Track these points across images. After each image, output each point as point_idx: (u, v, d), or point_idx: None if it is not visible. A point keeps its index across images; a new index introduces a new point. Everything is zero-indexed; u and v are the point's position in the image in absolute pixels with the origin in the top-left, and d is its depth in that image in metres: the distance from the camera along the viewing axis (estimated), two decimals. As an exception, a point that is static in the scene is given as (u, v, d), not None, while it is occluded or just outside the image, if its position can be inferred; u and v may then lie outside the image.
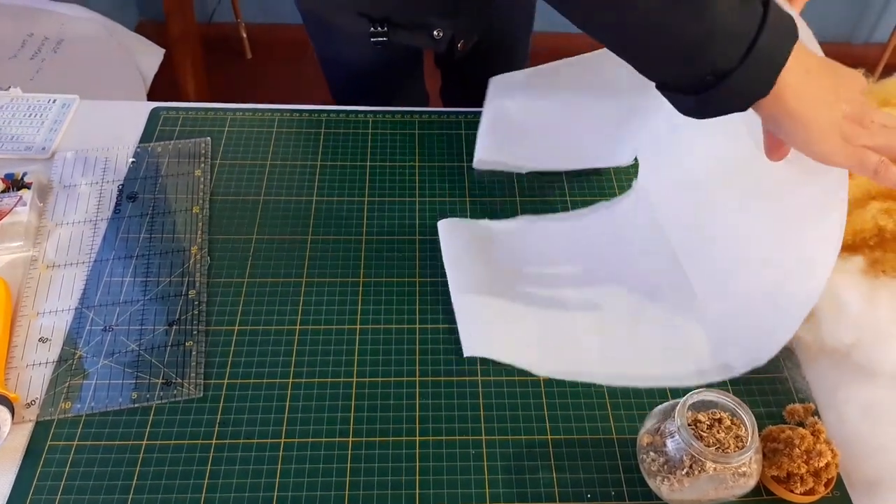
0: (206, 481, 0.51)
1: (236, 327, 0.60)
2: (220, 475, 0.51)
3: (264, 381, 0.57)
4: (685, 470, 0.47)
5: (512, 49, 0.94)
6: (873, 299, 0.54)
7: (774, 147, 0.52)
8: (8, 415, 0.52)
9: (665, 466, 0.48)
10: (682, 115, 0.50)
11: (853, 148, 0.49)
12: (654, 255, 0.65)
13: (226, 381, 0.56)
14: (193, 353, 0.58)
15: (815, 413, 0.55)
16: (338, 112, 0.78)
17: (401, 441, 0.53)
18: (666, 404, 0.51)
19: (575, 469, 0.52)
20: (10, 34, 1.24)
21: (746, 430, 0.47)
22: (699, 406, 0.49)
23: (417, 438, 0.54)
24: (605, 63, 0.59)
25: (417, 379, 0.57)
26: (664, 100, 0.51)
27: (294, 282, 0.63)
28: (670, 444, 0.48)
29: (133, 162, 0.72)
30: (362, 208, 0.69)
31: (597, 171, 0.73)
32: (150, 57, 1.28)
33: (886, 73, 0.79)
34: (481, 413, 0.55)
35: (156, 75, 1.32)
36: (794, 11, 0.50)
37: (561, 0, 0.47)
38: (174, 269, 0.63)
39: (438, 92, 1.04)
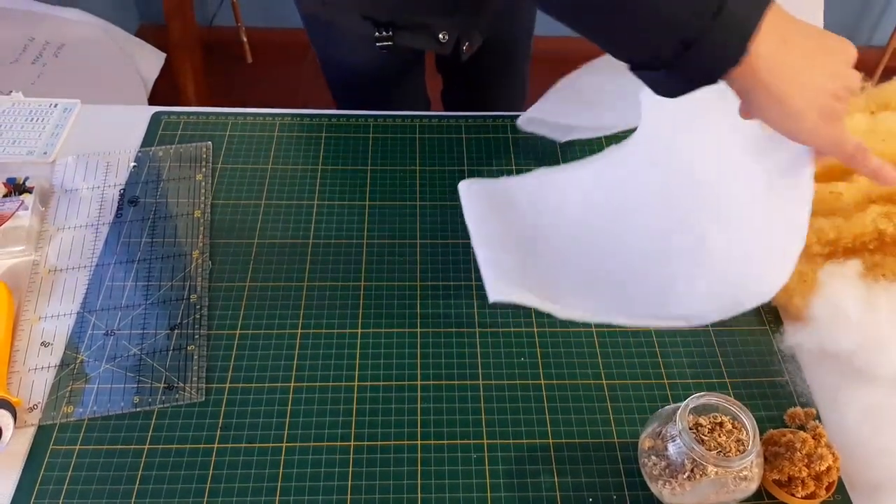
0: (207, 485, 0.51)
1: (238, 331, 0.60)
2: (222, 479, 0.51)
3: (266, 384, 0.57)
4: (686, 474, 0.47)
5: (513, 52, 0.94)
6: (873, 303, 0.54)
7: (745, 110, 0.49)
8: (10, 419, 0.52)
9: (666, 470, 0.48)
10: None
11: (831, 129, 0.46)
12: (665, 197, 0.63)
13: (227, 385, 0.57)
14: (195, 357, 0.58)
15: (817, 417, 0.55)
16: (339, 116, 0.78)
17: (402, 445, 0.54)
18: (667, 408, 0.51)
19: (576, 473, 0.52)
20: (12, 38, 1.24)
21: (748, 433, 0.47)
22: (700, 410, 0.49)
23: (419, 442, 0.54)
24: None
25: (419, 383, 0.57)
26: None
27: (295, 286, 0.63)
28: (672, 448, 0.48)
29: (134, 166, 0.72)
30: (363, 212, 0.69)
31: None
32: (151, 61, 1.28)
33: (886, 75, 0.79)
34: (482, 417, 0.55)
35: (156, 79, 1.32)
36: None
37: None
38: (176, 273, 0.63)
39: (440, 95, 1.04)
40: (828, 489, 0.50)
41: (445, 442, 0.54)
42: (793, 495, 0.50)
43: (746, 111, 0.49)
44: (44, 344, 0.58)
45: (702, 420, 0.49)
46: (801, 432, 0.52)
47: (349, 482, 0.52)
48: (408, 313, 0.62)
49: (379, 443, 0.54)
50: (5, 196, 0.67)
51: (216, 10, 1.99)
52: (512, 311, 0.62)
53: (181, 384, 0.56)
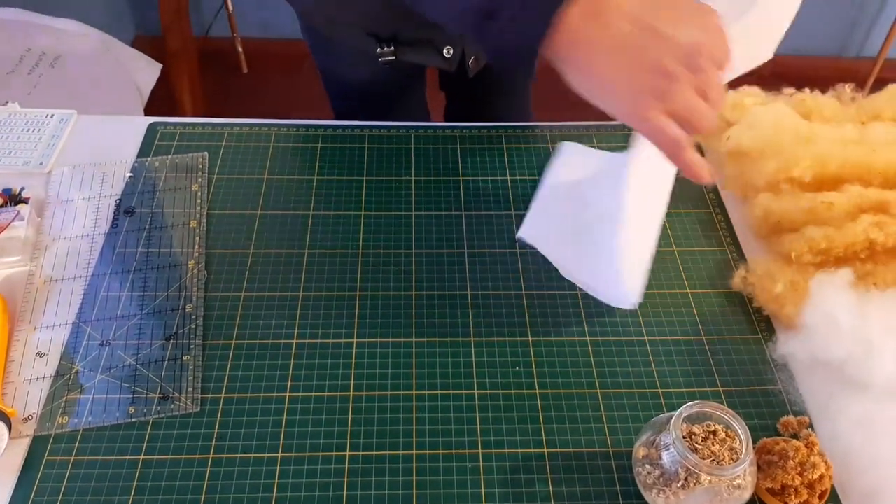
0: (203, 496, 0.51)
1: (233, 341, 0.60)
2: (218, 490, 0.51)
3: (261, 395, 0.57)
4: (680, 482, 0.47)
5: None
6: (864, 312, 0.54)
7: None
8: (5, 430, 0.52)
9: (660, 479, 0.49)
10: None
11: (652, 115, 0.42)
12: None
13: (223, 395, 0.57)
14: (190, 367, 0.58)
15: (809, 425, 0.56)
16: (334, 127, 0.78)
17: (397, 455, 0.54)
18: (661, 416, 0.51)
19: (571, 482, 0.53)
20: (9, 49, 1.24)
21: (741, 442, 0.48)
22: (694, 418, 0.50)
23: (414, 452, 0.54)
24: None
25: (414, 392, 0.57)
26: None
27: (291, 296, 0.63)
28: (665, 457, 0.49)
29: (130, 177, 0.72)
30: (359, 222, 0.70)
31: None
32: (147, 72, 1.29)
33: (877, 86, 0.80)
34: (477, 426, 0.55)
35: (153, 89, 1.33)
36: None
37: None
38: (171, 283, 0.63)
39: (443, 112, 1.04)
40: (821, 497, 0.51)
41: (440, 452, 0.54)
42: (786, 503, 0.51)
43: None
44: (39, 354, 0.58)
45: (695, 429, 0.50)
46: (794, 441, 0.52)
47: (344, 492, 0.52)
48: (403, 323, 0.62)
49: (374, 453, 0.54)
50: (1, 206, 0.67)
51: (212, 21, 2.00)
52: (507, 320, 0.62)
53: (176, 394, 0.56)
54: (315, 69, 0.91)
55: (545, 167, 0.74)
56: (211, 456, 0.53)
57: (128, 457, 0.53)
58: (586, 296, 0.64)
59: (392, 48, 0.74)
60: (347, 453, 0.54)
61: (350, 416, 0.56)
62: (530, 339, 0.61)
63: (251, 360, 0.59)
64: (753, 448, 0.49)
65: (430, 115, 0.99)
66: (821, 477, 0.50)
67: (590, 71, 0.42)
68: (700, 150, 0.78)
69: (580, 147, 0.76)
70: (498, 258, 0.67)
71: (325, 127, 0.78)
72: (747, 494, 0.48)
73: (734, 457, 0.48)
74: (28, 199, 0.68)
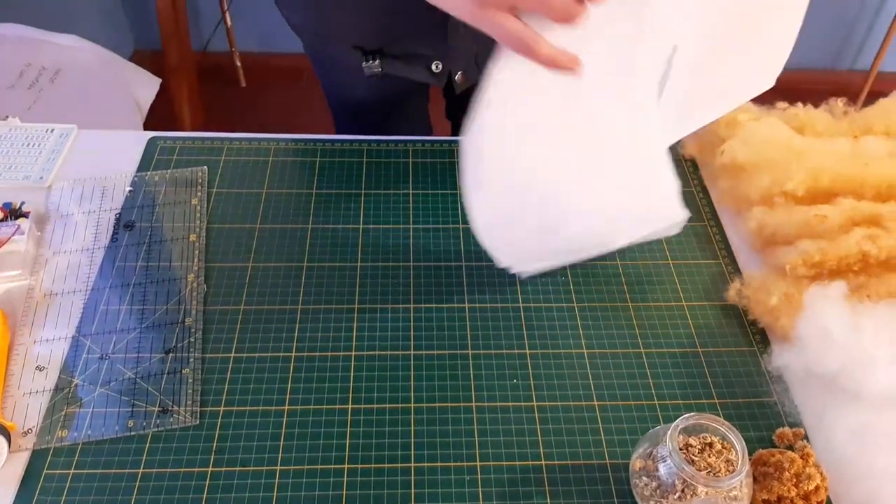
0: (202, 509, 0.51)
1: (232, 354, 0.60)
2: (217, 503, 0.51)
3: (260, 408, 0.57)
4: (677, 494, 0.48)
5: None
6: (857, 325, 0.55)
7: None
8: (5, 443, 0.52)
9: (657, 491, 0.49)
10: None
11: (487, 12, 0.41)
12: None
13: (222, 408, 0.57)
14: (190, 380, 0.58)
15: (805, 437, 0.56)
16: (332, 141, 0.79)
17: (396, 468, 0.54)
18: (658, 428, 0.52)
19: (569, 494, 0.53)
20: (9, 64, 1.25)
21: (737, 453, 0.48)
22: (690, 430, 0.50)
23: (412, 465, 0.54)
24: None
25: (412, 405, 0.58)
26: None
27: (289, 309, 0.64)
28: (662, 469, 0.49)
29: (130, 191, 0.72)
30: (357, 235, 0.70)
31: None
32: (146, 87, 1.30)
33: (871, 98, 0.82)
34: (475, 439, 0.56)
35: (151, 103, 1.33)
36: None
37: None
38: (171, 296, 0.64)
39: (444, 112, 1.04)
40: (817, 509, 0.51)
41: (439, 465, 0.54)
42: (782, 515, 0.51)
43: None
44: (38, 368, 0.58)
45: (692, 440, 0.50)
46: (790, 452, 0.52)
47: (343, 505, 0.52)
48: (401, 336, 0.62)
49: (373, 465, 0.54)
50: (1, 221, 0.67)
51: (210, 36, 2.01)
52: (504, 332, 0.63)
53: (175, 408, 0.56)
54: (312, 83, 0.92)
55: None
56: (210, 469, 0.53)
57: (127, 470, 0.53)
58: (583, 308, 0.65)
59: (377, 61, 0.74)
60: (346, 466, 0.54)
61: (349, 429, 0.56)
62: (528, 351, 0.62)
63: (250, 374, 0.59)
64: (749, 459, 0.50)
65: (433, 131, 1.00)
66: (816, 488, 0.50)
67: None
68: (694, 164, 0.79)
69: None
70: (495, 271, 0.67)
71: (324, 141, 0.79)
72: (744, 506, 0.48)
73: (730, 468, 0.48)
74: (28, 213, 0.68)
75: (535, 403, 0.58)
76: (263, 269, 0.67)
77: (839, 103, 0.79)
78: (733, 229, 0.72)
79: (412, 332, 0.62)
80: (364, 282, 0.66)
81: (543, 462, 0.55)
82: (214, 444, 0.55)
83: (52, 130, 0.79)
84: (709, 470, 0.48)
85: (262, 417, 0.56)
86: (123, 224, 0.69)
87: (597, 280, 0.67)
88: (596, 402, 0.58)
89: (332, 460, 0.54)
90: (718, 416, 0.56)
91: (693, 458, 0.49)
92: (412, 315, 0.64)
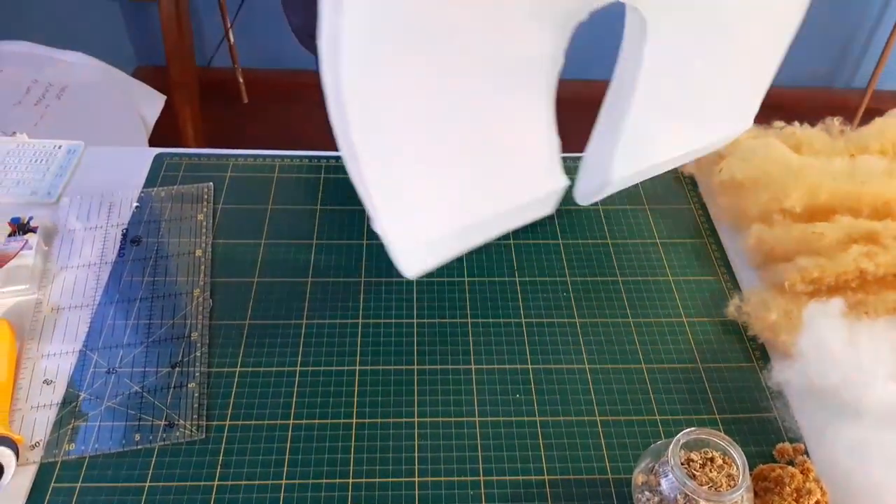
0: (207, 523, 0.51)
1: (237, 369, 0.61)
2: (222, 517, 0.52)
3: (265, 422, 0.57)
4: (679, 509, 0.48)
5: None
6: (855, 341, 0.56)
7: None
8: (12, 457, 0.53)
9: (659, 505, 0.49)
10: None
11: None
12: None
13: (227, 422, 0.57)
14: (195, 394, 0.59)
15: (805, 452, 0.57)
16: (336, 158, 0.80)
17: (400, 482, 0.54)
18: (659, 443, 0.52)
19: (571, 509, 0.53)
20: (17, 81, 1.27)
21: (738, 468, 0.49)
22: (692, 445, 0.51)
23: (416, 479, 0.54)
24: None
25: (415, 420, 0.58)
26: None
27: (294, 324, 0.64)
28: (664, 484, 0.49)
29: (137, 206, 0.73)
30: (361, 251, 0.71)
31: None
32: (151, 103, 1.31)
33: (867, 116, 0.83)
34: (478, 453, 0.56)
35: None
36: None
37: None
38: (177, 311, 0.64)
39: None
40: (817, 523, 0.51)
41: (442, 479, 0.55)
42: (783, 530, 0.51)
43: None
44: (46, 382, 0.59)
45: (693, 455, 0.51)
46: (790, 467, 0.53)
47: (348, 519, 0.52)
48: (405, 350, 0.63)
49: (377, 479, 0.54)
50: (10, 236, 0.68)
51: (214, 53, 2.03)
52: (507, 347, 0.63)
53: (181, 422, 0.57)
54: (315, 100, 0.93)
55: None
56: (215, 483, 0.54)
57: (134, 484, 0.53)
58: (585, 324, 0.66)
59: None
60: (350, 480, 0.54)
61: (353, 444, 0.56)
62: (530, 366, 0.62)
63: (255, 388, 0.60)
64: (750, 475, 0.50)
65: None
66: (817, 503, 0.51)
67: None
68: (693, 181, 0.80)
69: None
70: (497, 286, 0.68)
71: (328, 158, 0.80)
72: (745, 520, 0.49)
73: (731, 483, 0.48)
74: (36, 228, 0.69)
75: (537, 418, 0.59)
76: (268, 284, 0.67)
77: (835, 122, 0.80)
78: (732, 246, 0.73)
79: (416, 347, 0.63)
80: (368, 297, 0.67)
81: (546, 477, 0.55)
82: (220, 458, 0.55)
83: (60, 147, 0.80)
84: (710, 485, 0.48)
85: (267, 431, 0.57)
86: (130, 239, 0.70)
87: (598, 296, 0.68)
88: (598, 417, 0.59)
89: (337, 474, 0.55)
90: (719, 431, 0.57)
91: (695, 472, 0.49)
92: (416, 330, 0.64)
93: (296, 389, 0.60)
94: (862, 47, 2.08)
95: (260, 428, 0.57)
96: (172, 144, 0.83)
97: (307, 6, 0.80)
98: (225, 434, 0.57)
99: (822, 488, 0.52)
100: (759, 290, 0.67)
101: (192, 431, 0.56)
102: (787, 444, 0.57)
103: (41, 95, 1.25)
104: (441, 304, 0.67)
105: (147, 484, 0.53)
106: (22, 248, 0.67)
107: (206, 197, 0.75)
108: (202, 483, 0.54)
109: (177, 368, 0.60)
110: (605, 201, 0.77)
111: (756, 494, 0.52)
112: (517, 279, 0.69)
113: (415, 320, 0.65)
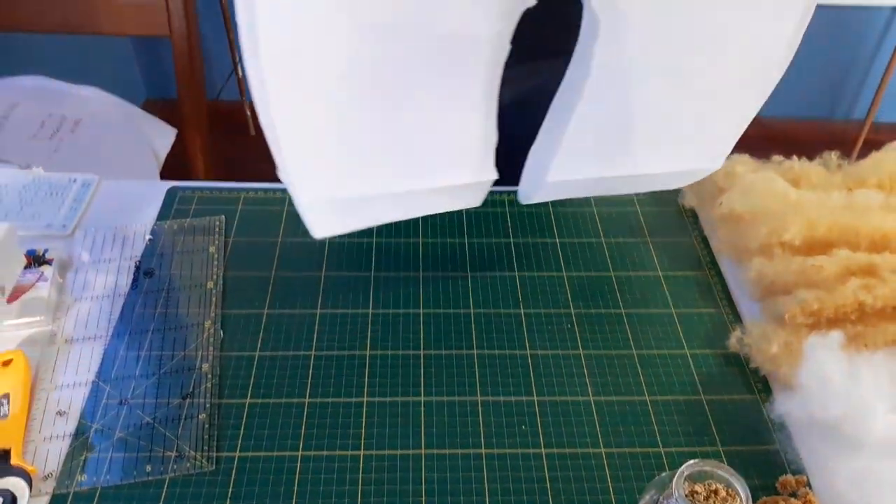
0: (217, 554, 0.52)
1: (248, 400, 0.62)
2: (232, 548, 0.52)
3: (274, 453, 0.58)
4: (684, 540, 0.49)
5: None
6: (855, 373, 0.57)
7: None
8: (26, 487, 0.53)
9: (664, 537, 0.50)
10: None
11: None
12: None
13: (237, 453, 0.58)
14: (206, 425, 0.60)
15: (807, 484, 0.57)
16: (345, 191, 0.82)
17: (407, 513, 0.55)
18: (664, 475, 0.53)
19: (577, 540, 0.54)
20: (31, 114, 1.30)
21: (741, 500, 0.49)
22: (696, 477, 0.51)
23: (423, 510, 0.55)
24: None
25: (423, 451, 0.59)
26: None
27: (303, 355, 0.65)
28: (669, 515, 0.50)
29: (150, 239, 0.75)
30: (369, 283, 0.72)
31: None
32: (163, 137, 1.34)
33: (866, 147, 0.85)
34: (485, 485, 0.57)
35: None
36: None
37: None
38: (188, 343, 0.66)
39: None
40: (821, 556, 0.52)
41: (449, 510, 0.55)
42: (787, 562, 0.52)
43: None
44: (59, 413, 0.60)
45: (697, 487, 0.51)
46: (793, 500, 0.53)
47: (356, 550, 0.53)
48: (412, 382, 0.64)
49: (385, 511, 0.55)
50: (26, 268, 0.69)
51: (223, 85, 2.07)
52: (513, 380, 0.64)
53: (192, 453, 0.58)
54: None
55: (547, 229, 0.78)
56: (225, 514, 0.54)
57: (145, 515, 0.54)
58: (589, 356, 0.67)
59: None
60: (359, 511, 0.55)
61: (360, 475, 0.57)
62: (535, 398, 0.63)
63: (265, 419, 0.60)
64: (754, 506, 0.51)
65: None
66: (820, 535, 0.51)
67: None
68: (694, 214, 0.82)
69: None
70: (503, 318, 0.69)
71: (336, 191, 0.82)
72: (749, 553, 0.49)
73: (735, 515, 0.49)
74: (51, 260, 0.71)
75: (542, 450, 0.59)
76: (278, 315, 0.69)
77: (833, 156, 0.82)
78: (733, 278, 0.75)
79: (423, 378, 0.64)
80: (375, 328, 0.68)
81: (552, 508, 0.56)
82: (230, 490, 0.56)
83: (75, 180, 0.82)
84: (714, 516, 0.49)
85: (276, 463, 0.58)
86: (143, 271, 0.72)
87: (602, 328, 0.69)
88: (602, 449, 0.60)
89: (345, 505, 0.55)
90: (723, 463, 0.57)
91: (699, 504, 0.50)
92: (423, 360, 0.65)
93: (305, 420, 0.61)
94: (859, 79, 2.11)
95: (269, 459, 0.58)
96: (183, 176, 0.85)
97: None
98: (235, 465, 0.57)
99: (825, 520, 0.52)
100: (761, 323, 0.68)
101: (202, 463, 0.57)
102: (789, 476, 0.58)
103: (56, 129, 1.27)
104: (448, 335, 0.68)
105: (158, 515, 0.54)
106: (37, 280, 0.68)
107: (217, 229, 0.76)
108: (212, 514, 0.54)
109: (187, 400, 0.61)
110: (607, 233, 0.79)
111: (760, 526, 0.52)
112: (522, 311, 0.70)
113: (421, 352, 0.66)
